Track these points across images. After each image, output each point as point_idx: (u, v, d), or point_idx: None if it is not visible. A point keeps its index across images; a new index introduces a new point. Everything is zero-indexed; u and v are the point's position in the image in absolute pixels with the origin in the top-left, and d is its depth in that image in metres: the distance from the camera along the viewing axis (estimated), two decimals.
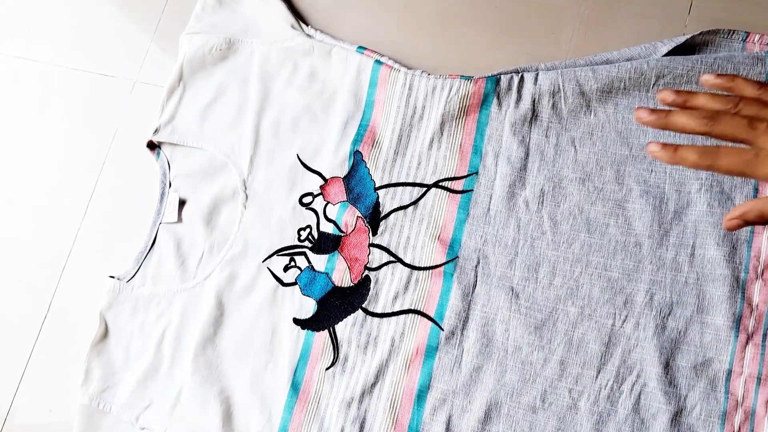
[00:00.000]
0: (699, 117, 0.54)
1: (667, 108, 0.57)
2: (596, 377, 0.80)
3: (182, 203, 1.00)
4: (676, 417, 0.77)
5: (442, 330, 0.87)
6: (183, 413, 0.92)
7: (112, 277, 0.98)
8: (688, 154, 0.54)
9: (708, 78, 0.59)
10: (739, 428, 0.76)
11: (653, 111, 0.57)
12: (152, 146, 1.04)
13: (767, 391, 0.77)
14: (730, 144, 0.53)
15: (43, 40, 1.16)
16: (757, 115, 0.53)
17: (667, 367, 0.79)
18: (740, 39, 0.87)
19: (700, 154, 0.53)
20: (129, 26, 1.13)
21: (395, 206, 0.92)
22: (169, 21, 1.11)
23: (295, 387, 0.89)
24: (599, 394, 0.80)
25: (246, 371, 0.92)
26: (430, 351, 0.86)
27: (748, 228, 0.80)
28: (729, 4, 0.92)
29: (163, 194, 1.01)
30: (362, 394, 0.87)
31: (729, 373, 0.77)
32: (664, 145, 0.54)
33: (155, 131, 1.02)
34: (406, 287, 0.90)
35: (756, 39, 0.87)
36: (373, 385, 0.87)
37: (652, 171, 0.85)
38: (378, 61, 0.97)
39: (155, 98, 1.05)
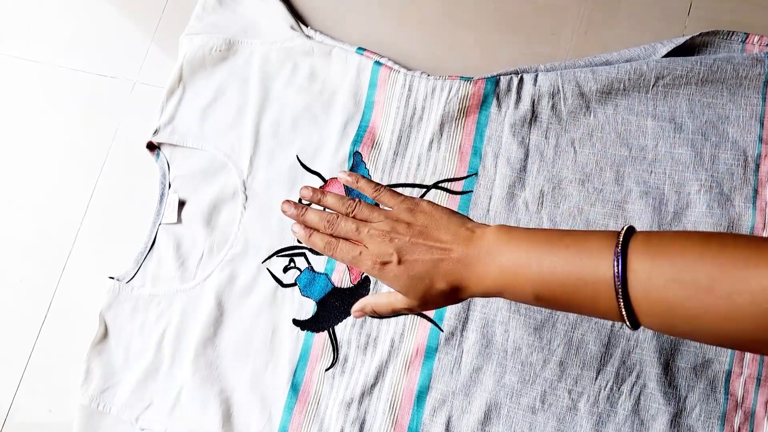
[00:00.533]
0: (324, 220, 0.68)
1: (306, 203, 0.75)
2: (596, 378, 0.80)
3: (182, 204, 1.00)
4: (676, 418, 0.77)
5: (442, 331, 0.87)
6: (183, 413, 0.92)
7: (112, 277, 0.98)
8: (317, 241, 0.68)
9: (341, 174, 0.73)
10: (739, 429, 0.76)
11: (296, 205, 0.70)
12: (152, 147, 1.04)
13: (767, 391, 0.77)
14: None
15: (43, 40, 1.15)
16: (366, 219, 0.67)
17: (666, 368, 0.79)
18: (740, 40, 0.88)
19: (325, 244, 0.67)
20: (129, 26, 1.13)
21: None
22: (169, 21, 1.11)
23: (294, 388, 0.90)
24: (599, 395, 0.80)
25: (246, 372, 0.92)
26: (430, 352, 0.86)
27: (748, 229, 0.81)
28: (729, 4, 0.92)
29: (162, 195, 1.01)
30: (362, 395, 0.87)
31: (729, 373, 0.78)
32: (305, 228, 0.69)
33: (155, 132, 1.02)
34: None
35: (755, 40, 0.87)
36: (373, 386, 0.88)
37: (651, 172, 0.85)
38: (378, 62, 0.97)
39: (155, 98, 1.05)
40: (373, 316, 0.72)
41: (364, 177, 0.73)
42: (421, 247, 0.62)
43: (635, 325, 0.53)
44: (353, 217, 0.68)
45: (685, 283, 0.49)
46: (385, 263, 0.63)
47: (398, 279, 0.63)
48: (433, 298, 0.62)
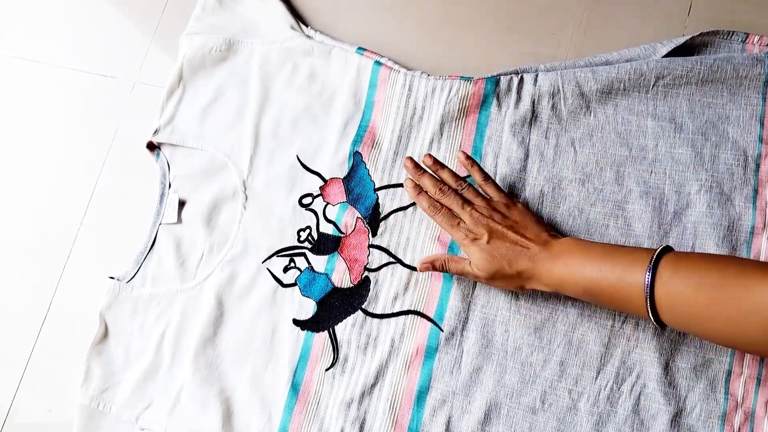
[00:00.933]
0: (436, 187, 0.85)
1: (424, 168, 0.89)
2: (596, 378, 0.80)
3: (182, 204, 1.00)
4: (676, 418, 0.77)
5: (442, 331, 0.87)
6: (183, 413, 0.92)
7: (112, 277, 0.98)
8: (424, 201, 0.86)
9: (460, 155, 0.89)
10: (739, 429, 0.76)
11: (417, 166, 0.88)
12: (152, 147, 1.04)
13: (767, 391, 0.77)
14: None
15: (43, 40, 1.15)
16: (469, 200, 0.84)
17: (666, 367, 0.79)
18: (740, 40, 0.88)
19: (430, 205, 0.85)
20: (129, 26, 1.13)
21: (395, 207, 0.93)
22: (169, 21, 1.11)
23: (294, 388, 0.90)
24: (599, 395, 0.80)
25: (246, 371, 0.92)
26: (430, 352, 0.86)
27: (748, 229, 0.81)
28: (729, 4, 0.92)
29: (162, 195, 1.01)
30: (362, 395, 0.87)
31: (729, 373, 0.77)
32: (415, 186, 0.87)
33: (155, 132, 1.02)
34: (406, 288, 0.90)
35: (755, 40, 0.87)
36: (373, 385, 0.88)
37: (651, 172, 0.85)
38: (378, 62, 0.97)
39: (155, 98, 1.05)
40: (437, 269, 0.86)
41: (477, 163, 0.88)
42: (509, 237, 0.79)
43: (662, 325, 0.69)
44: (460, 195, 0.85)
45: (701, 291, 0.64)
46: (475, 239, 0.80)
47: (481, 253, 0.79)
48: (501, 276, 0.79)
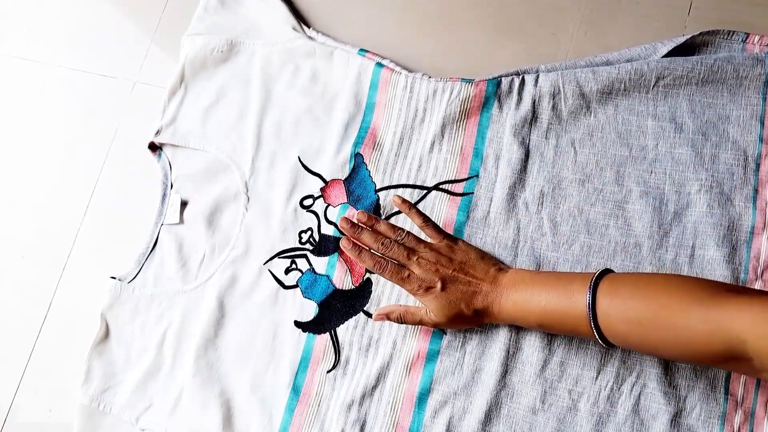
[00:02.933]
0: (377, 242, 0.85)
1: (362, 226, 0.89)
2: (596, 378, 0.81)
3: (184, 204, 1.01)
4: (676, 418, 0.77)
5: (445, 334, 0.87)
6: (183, 414, 0.93)
7: (114, 277, 0.99)
8: (367, 258, 0.85)
9: (396, 199, 0.89)
10: (739, 429, 0.76)
11: (353, 225, 0.88)
12: (154, 147, 1.04)
13: (767, 392, 0.77)
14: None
15: (43, 40, 1.16)
16: (413, 249, 0.84)
17: (666, 368, 0.79)
18: (740, 40, 0.88)
19: (375, 263, 0.84)
20: (129, 26, 1.14)
21: (396, 209, 0.93)
22: (170, 21, 1.12)
23: (296, 389, 0.90)
24: (599, 395, 0.80)
25: (247, 373, 0.92)
26: (432, 354, 0.87)
27: (748, 229, 0.81)
28: (729, 4, 0.92)
29: (164, 195, 1.02)
30: (362, 397, 0.88)
31: (728, 374, 0.78)
32: (354, 245, 0.86)
33: (157, 132, 1.03)
34: (407, 292, 0.90)
35: (756, 40, 0.87)
36: (374, 387, 0.88)
37: (651, 172, 0.85)
38: (379, 64, 0.97)
39: (155, 99, 1.06)
40: (394, 321, 0.86)
41: (414, 206, 0.88)
42: (461, 280, 0.81)
43: (609, 344, 0.72)
44: (403, 245, 0.85)
45: (630, 319, 0.68)
46: (429, 288, 0.81)
47: (438, 300, 0.80)
48: (459, 319, 0.81)
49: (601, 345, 0.72)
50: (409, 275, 0.82)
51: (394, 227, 0.87)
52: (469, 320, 0.81)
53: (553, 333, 0.82)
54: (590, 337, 0.71)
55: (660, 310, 0.66)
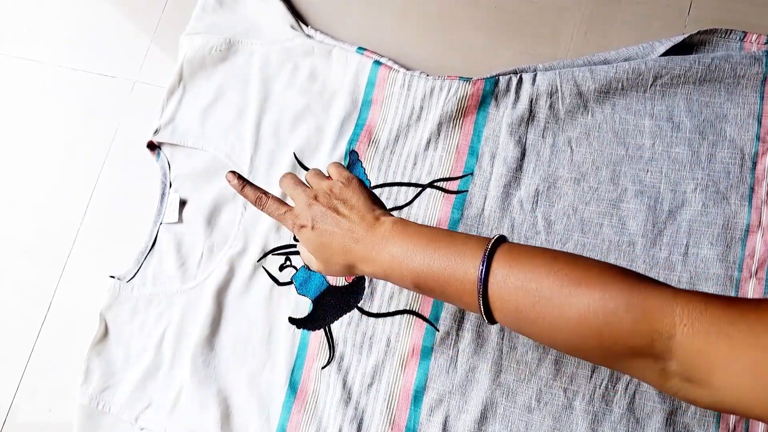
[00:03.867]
0: (254, 196, 0.77)
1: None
2: (591, 376, 0.81)
3: (183, 203, 1.02)
4: (671, 416, 0.78)
5: (438, 331, 0.88)
6: (182, 413, 0.94)
7: (113, 277, 1.00)
8: (249, 192, 0.77)
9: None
10: (734, 427, 0.77)
11: (239, 179, 0.78)
12: (152, 147, 1.05)
13: None
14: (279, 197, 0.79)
15: (43, 40, 1.17)
16: (304, 182, 0.77)
17: None
18: (738, 38, 0.88)
19: (256, 198, 0.77)
20: (129, 26, 1.14)
21: (390, 206, 0.94)
22: (169, 21, 1.13)
23: (292, 386, 0.91)
24: (594, 394, 0.81)
25: (244, 371, 0.93)
26: (426, 352, 0.87)
27: (743, 227, 0.81)
28: (728, 4, 0.93)
29: (163, 194, 1.03)
30: (359, 394, 0.88)
31: None
32: (238, 178, 0.77)
33: (155, 132, 1.03)
34: (401, 288, 0.91)
35: (753, 38, 0.88)
36: (370, 384, 0.89)
37: (648, 171, 0.86)
38: (377, 62, 0.98)
39: (155, 98, 1.07)
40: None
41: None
42: (331, 219, 0.72)
43: (491, 320, 0.64)
44: (295, 178, 0.79)
45: (530, 291, 0.59)
46: (302, 226, 0.73)
47: (309, 242, 0.73)
48: (332, 266, 0.73)
49: (484, 320, 0.64)
50: (285, 212, 0.76)
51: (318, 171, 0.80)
52: (342, 268, 0.73)
53: (428, 296, 0.74)
54: (473, 309, 0.64)
55: (571, 283, 0.57)
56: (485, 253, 0.62)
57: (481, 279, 0.61)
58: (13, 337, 1.06)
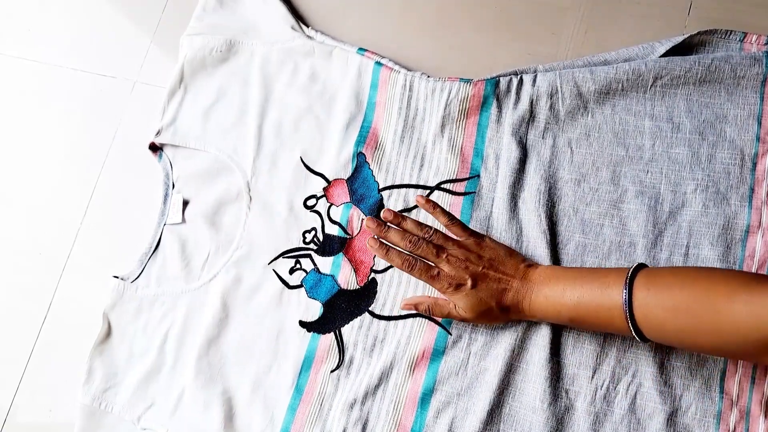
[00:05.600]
0: (406, 240, 0.84)
1: (389, 224, 0.88)
2: (592, 377, 0.82)
3: (185, 204, 1.02)
4: (672, 417, 0.78)
5: (450, 334, 0.88)
6: (185, 413, 0.94)
7: (116, 277, 1.00)
8: (395, 257, 0.85)
9: (419, 200, 0.89)
10: (735, 428, 0.78)
11: (379, 224, 0.87)
12: (154, 148, 1.06)
13: (762, 390, 0.78)
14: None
15: (43, 40, 1.18)
16: (441, 246, 0.84)
17: (662, 366, 0.80)
18: (738, 39, 0.89)
19: (403, 261, 0.84)
20: (129, 26, 1.15)
21: (400, 208, 0.94)
22: (169, 21, 1.13)
23: (299, 389, 0.91)
24: (595, 394, 0.81)
25: (249, 373, 0.94)
26: (437, 354, 0.88)
27: (743, 227, 0.82)
28: (728, 4, 0.93)
29: (166, 195, 1.03)
30: (365, 396, 0.89)
31: (723, 372, 0.79)
32: (381, 244, 0.86)
33: (157, 133, 1.04)
34: (414, 291, 0.91)
35: (753, 39, 0.88)
36: (377, 387, 0.89)
37: (648, 172, 0.86)
38: (378, 63, 0.99)
39: (155, 98, 1.08)
40: (421, 312, 0.87)
41: (439, 206, 0.88)
42: (492, 277, 0.81)
43: (644, 339, 0.72)
44: (431, 243, 0.85)
45: (667, 308, 0.68)
46: (459, 285, 0.81)
47: (468, 298, 0.81)
48: (489, 315, 0.82)
49: (638, 339, 0.72)
50: (438, 273, 0.82)
51: (421, 225, 0.87)
52: (498, 316, 0.82)
53: (584, 329, 0.82)
54: (625, 331, 0.72)
55: (701, 295, 0.66)
56: (626, 280, 0.71)
57: (625, 304, 0.71)
58: (14, 337, 1.06)
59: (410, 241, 0.84)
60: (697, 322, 0.66)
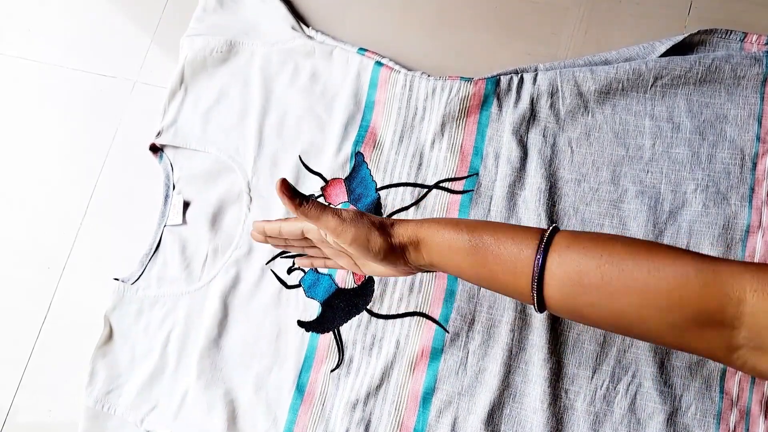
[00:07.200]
0: (300, 244, 0.79)
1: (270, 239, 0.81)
2: (592, 377, 0.82)
3: (186, 205, 1.03)
4: (672, 417, 0.79)
5: (447, 332, 0.89)
6: (188, 415, 0.95)
7: (117, 279, 1.01)
8: (317, 262, 0.82)
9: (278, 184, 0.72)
10: (735, 428, 0.78)
11: (285, 241, 0.80)
12: (155, 149, 1.06)
13: (762, 390, 0.79)
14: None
15: (43, 40, 1.18)
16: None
17: (661, 366, 0.81)
18: (738, 39, 0.89)
19: (323, 261, 0.81)
20: (129, 26, 1.15)
21: (397, 207, 0.95)
22: (169, 21, 1.14)
23: (300, 389, 0.92)
24: (595, 394, 0.82)
25: (251, 373, 0.94)
26: (435, 353, 0.89)
27: (743, 227, 0.83)
28: (728, 4, 0.94)
29: (167, 197, 1.04)
30: (367, 396, 0.89)
31: (723, 372, 0.79)
32: (306, 258, 0.84)
33: (158, 134, 1.05)
34: (411, 289, 0.92)
35: (753, 39, 0.89)
36: (378, 387, 0.90)
37: (648, 171, 0.87)
38: (378, 63, 0.99)
39: (155, 99, 1.08)
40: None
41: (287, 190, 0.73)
42: (367, 215, 0.72)
43: (542, 307, 0.63)
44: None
45: (591, 268, 0.59)
46: (341, 222, 0.70)
47: (349, 227, 0.70)
48: (376, 250, 0.70)
49: (535, 307, 0.64)
50: (326, 209, 0.72)
51: (287, 220, 0.79)
52: (391, 251, 0.71)
53: (479, 284, 0.71)
54: (524, 295, 0.64)
55: (639, 256, 0.57)
56: (543, 233, 0.63)
57: (538, 260, 0.62)
58: (14, 337, 1.06)
59: (305, 240, 0.79)
60: (615, 280, 0.57)
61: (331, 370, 0.92)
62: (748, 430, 0.78)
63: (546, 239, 0.62)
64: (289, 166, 1.00)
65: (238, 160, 1.02)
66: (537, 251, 0.62)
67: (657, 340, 0.60)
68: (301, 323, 0.95)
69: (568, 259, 0.60)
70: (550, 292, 0.62)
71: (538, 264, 0.62)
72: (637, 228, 0.86)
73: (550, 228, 0.64)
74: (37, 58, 1.17)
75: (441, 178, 0.95)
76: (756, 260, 0.82)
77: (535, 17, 1.01)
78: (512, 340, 0.86)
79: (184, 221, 1.02)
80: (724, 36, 0.90)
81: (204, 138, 1.04)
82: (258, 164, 1.01)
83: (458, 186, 0.94)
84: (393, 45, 1.04)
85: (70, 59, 1.16)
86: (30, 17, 1.20)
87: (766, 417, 0.78)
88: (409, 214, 0.94)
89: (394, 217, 0.95)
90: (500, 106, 0.94)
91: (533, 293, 0.62)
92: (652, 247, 0.59)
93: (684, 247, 0.84)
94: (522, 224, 0.88)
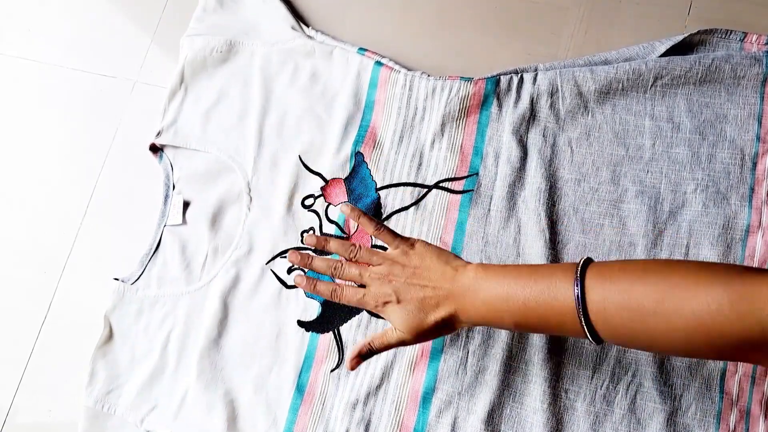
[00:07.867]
0: (330, 267, 0.80)
1: (311, 254, 0.84)
2: (592, 377, 0.82)
3: (186, 205, 1.03)
4: (672, 417, 0.79)
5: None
6: (188, 415, 0.95)
7: (117, 279, 1.01)
8: (323, 289, 0.80)
9: (344, 208, 0.83)
10: (735, 428, 0.78)
11: (302, 255, 0.82)
12: (155, 149, 1.06)
13: (762, 390, 0.79)
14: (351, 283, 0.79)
15: (43, 40, 1.18)
16: (367, 262, 0.78)
17: (661, 366, 0.81)
18: (738, 39, 0.90)
19: (331, 292, 0.79)
20: (129, 26, 1.15)
21: (397, 207, 0.95)
22: (169, 21, 1.14)
23: (300, 389, 0.92)
24: (595, 394, 0.82)
25: (251, 373, 0.94)
26: (435, 353, 0.89)
27: (743, 227, 0.83)
28: (728, 4, 0.94)
29: (167, 196, 1.04)
30: (367, 396, 0.89)
31: (724, 372, 0.79)
32: (308, 279, 0.81)
33: (158, 134, 1.05)
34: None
35: (753, 39, 0.89)
36: (378, 387, 0.90)
37: (648, 171, 0.87)
38: (378, 62, 0.99)
39: (155, 99, 1.08)
40: (367, 356, 0.79)
41: (365, 214, 0.82)
42: (415, 287, 0.74)
43: (598, 341, 0.65)
44: (356, 262, 0.80)
45: (630, 307, 0.60)
46: (386, 302, 0.75)
47: (396, 314, 0.74)
48: (425, 330, 0.73)
49: (590, 341, 0.65)
50: (364, 295, 0.77)
51: (344, 244, 0.82)
52: (437, 329, 0.74)
53: (531, 332, 0.76)
54: (578, 333, 0.65)
55: (671, 290, 0.58)
56: (576, 277, 0.64)
57: (578, 302, 0.63)
58: (14, 337, 1.07)
59: (334, 268, 0.80)
60: (664, 321, 0.59)
61: (331, 370, 0.92)
62: (748, 430, 0.78)
63: (579, 276, 0.64)
64: (289, 166, 1.00)
65: (238, 160, 1.02)
66: (575, 299, 0.63)
67: (709, 358, 0.67)
68: (301, 323, 0.95)
69: (606, 308, 0.62)
70: (600, 331, 0.64)
71: (579, 307, 0.63)
72: (637, 228, 0.86)
73: (580, 265, 0.65)
74: (37, 58, 1.17)
75: (441, 178, 0.95)
76: (756, 260, 0.82)
77: (535, 17, 1.01)
78: (512, 340, 0.86)
79: (184, 221, 1.02)
80: (724, 36, 0.90)
81: (204, 138, 1.04)
82: (258, 164, 1.01)
83: (458, 186, 0.94)
84: (393, 45, 1.04)
85: (70, 59, 1.16)
86: (30, 17, 1.20)
87: (766, 417, 0.78)
88: (409, 214, 0.95)
89: (394, 217, 0.95)
90: (500, 106, 0.94)
91: (587, 334, 0.64)
92: (680, 284, 0.59)
93: (684, 247, 0.84)
94: (522, 224, 0.89)
